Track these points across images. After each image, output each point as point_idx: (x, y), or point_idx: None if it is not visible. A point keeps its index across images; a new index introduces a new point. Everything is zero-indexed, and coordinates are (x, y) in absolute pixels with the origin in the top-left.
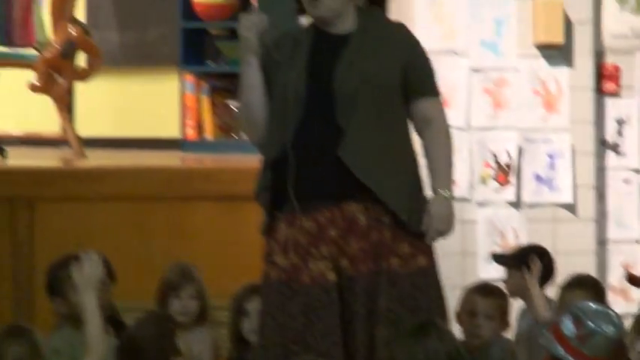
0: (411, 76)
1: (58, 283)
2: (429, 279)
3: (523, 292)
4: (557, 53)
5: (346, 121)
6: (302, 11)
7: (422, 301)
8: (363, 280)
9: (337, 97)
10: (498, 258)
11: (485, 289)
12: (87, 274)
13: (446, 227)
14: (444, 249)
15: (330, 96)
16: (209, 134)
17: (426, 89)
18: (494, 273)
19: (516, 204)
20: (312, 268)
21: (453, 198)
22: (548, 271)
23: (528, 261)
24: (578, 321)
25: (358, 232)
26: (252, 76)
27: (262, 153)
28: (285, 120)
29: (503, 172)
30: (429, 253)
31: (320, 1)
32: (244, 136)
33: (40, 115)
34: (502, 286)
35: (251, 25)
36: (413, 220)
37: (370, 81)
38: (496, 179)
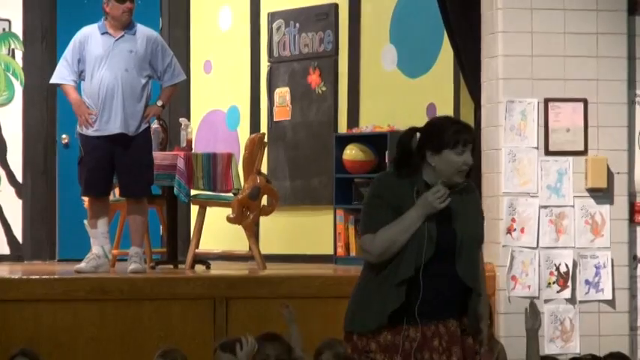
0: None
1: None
2: None
3: None
4: (602, 195)
5: (462, 266)
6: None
7: None
8: None
9: (459, 246)
10: None
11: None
12: (244, 351)
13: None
14: (521, 333)
15: (454, 244)
16: (353, 252)
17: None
18: (555, 350)
19: (572, 300)
20: None
21: None
22: None
23: None
24: None
25: (458, 342)
26: (415, 227)
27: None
28: (415, 254)
29: (563, 279)
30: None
31: (465, 172)
32: None
33: (234, 239)
34: None
35: (441, 197)
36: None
37: (476, 236)
38: (557, 283)
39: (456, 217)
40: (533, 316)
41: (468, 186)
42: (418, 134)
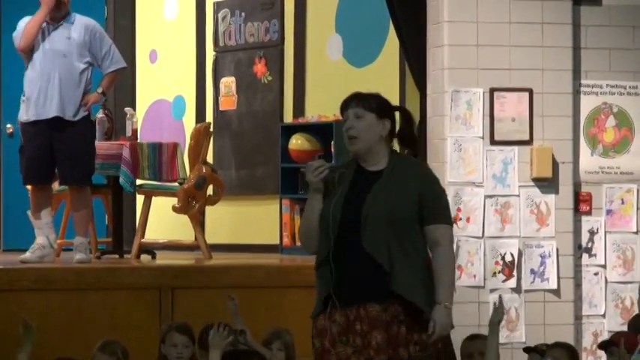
0: (423, 205)
1: (204, 342)
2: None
3: None
4: (547, 184)
5: (369, 243)
6: None
7: None
8: None
9: (363, 222)
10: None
11: (471, 336)
12: (213, 338)
13: (446, 332)
14: (466, 322)
15: (359, 221)
16: (299, 242)
17: (435, 217)
18: (500, 339)
19: (517, 290)
20: (339, 352)
21: (451, 307)
22: None
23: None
24: None
25: (381, 327)
26: (315, 208)
27: (316, 259)
28: (328, 236)
29: (508, 268)
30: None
31: (357, 139)
32: None
33: (180, 229)
34: None
35: (315, 171)
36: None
37: (390, 211)
38: (503, 273)
39: (374, 193)
40: (496, 310)
41: (417, 164)
42: None
